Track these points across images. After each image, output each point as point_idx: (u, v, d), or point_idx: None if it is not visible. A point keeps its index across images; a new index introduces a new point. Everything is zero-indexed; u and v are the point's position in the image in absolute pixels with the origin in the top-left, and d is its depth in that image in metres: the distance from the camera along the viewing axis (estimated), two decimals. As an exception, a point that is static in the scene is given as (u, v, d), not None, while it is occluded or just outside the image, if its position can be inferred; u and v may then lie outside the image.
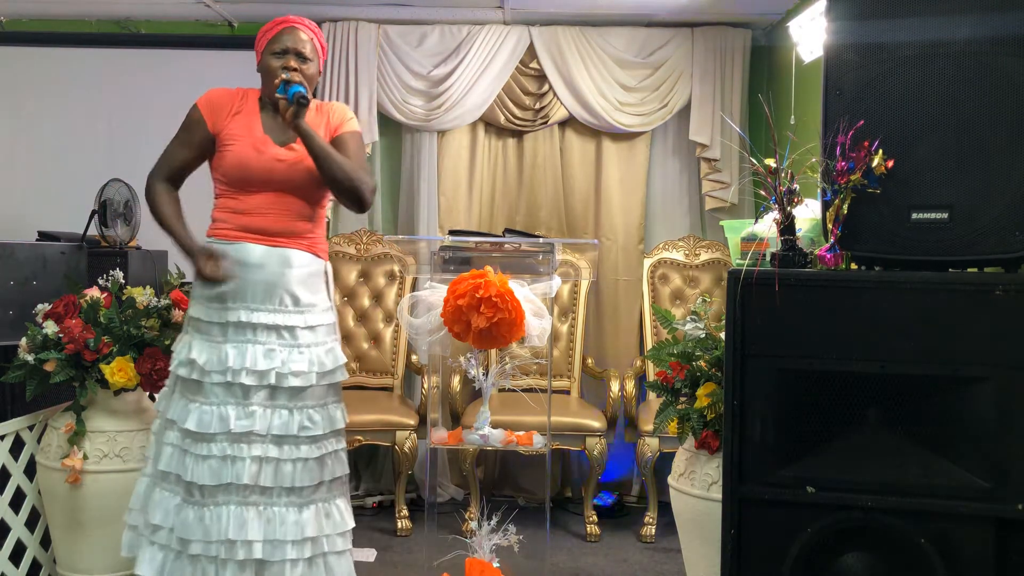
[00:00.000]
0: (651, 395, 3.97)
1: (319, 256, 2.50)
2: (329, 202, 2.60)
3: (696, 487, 2.53)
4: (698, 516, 2.52)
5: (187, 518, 2.34)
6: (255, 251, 2.39)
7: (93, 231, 3.64)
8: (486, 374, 2.88)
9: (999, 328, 1.86)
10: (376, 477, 4.26)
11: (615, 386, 3.88)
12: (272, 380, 2.36)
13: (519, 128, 4.33)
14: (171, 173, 2.52)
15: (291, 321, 2.40)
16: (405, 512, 3.83)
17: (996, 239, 1.89)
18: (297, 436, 2.37)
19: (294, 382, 2.37)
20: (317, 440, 2.41)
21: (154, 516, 2.37)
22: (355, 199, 2.40)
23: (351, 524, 2.49)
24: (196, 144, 2.50)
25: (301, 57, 2.42)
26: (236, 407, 2.35)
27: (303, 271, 2.43)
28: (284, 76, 2.33)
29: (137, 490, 2.47)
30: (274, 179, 2.40)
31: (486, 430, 2.89)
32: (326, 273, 2.54)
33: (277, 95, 2.31)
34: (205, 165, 2.55)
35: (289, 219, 2.42)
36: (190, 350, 2.39)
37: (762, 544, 2.00)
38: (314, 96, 2.50)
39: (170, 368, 2.47)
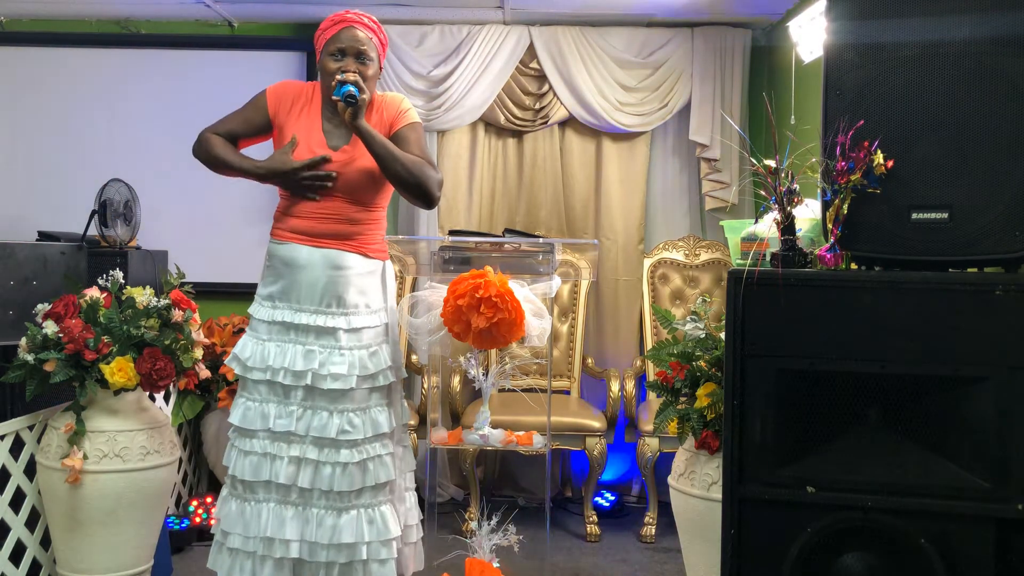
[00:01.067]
0: (651, 395, 3.97)
1: (370, 256, 2.46)
2: (388, 202, 2.56)
3: (696, 487, 2.53)
4: (698, 516, 2.52)
5: (229, 510, 2.38)
6: (301, 252, 2.39)
7: (93, 231, 3.64)
8: (486, 374, 2.88)
9: (999, 328, 1.86)
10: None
11: (615, 386, 3.88)
12: (308, 381, 2.36)
13: (519, 128, 4.33)
14: (222, 131, 2.47)
15: (333, 323, 2.39)
16: (405, 512, 3.83)
17: (996, 239, 1.89)
18: (336, 439, 2.36)
19: (332, 384, 2.36)
20: (358, 444, 2.38)
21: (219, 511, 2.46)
22: (422, 195, 2.37)
23: (396, 532, 2.42)
24: (253, 127, 2.47)
25: (360, 57, 2.39)
26: (277, 405, 2.37)
27: (351, 272, 2.41)
28: (339, 77, 2.30)
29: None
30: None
31: (486, 430, 2.89)
32: (383, 274, 2.51)
33: (333, 97, 2.30)
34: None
35: (336, 221, 2.40)
36: (240, 346, 2.43)
37: (762, 544, 2.00)
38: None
39: None
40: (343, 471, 2.36)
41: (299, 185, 2.38)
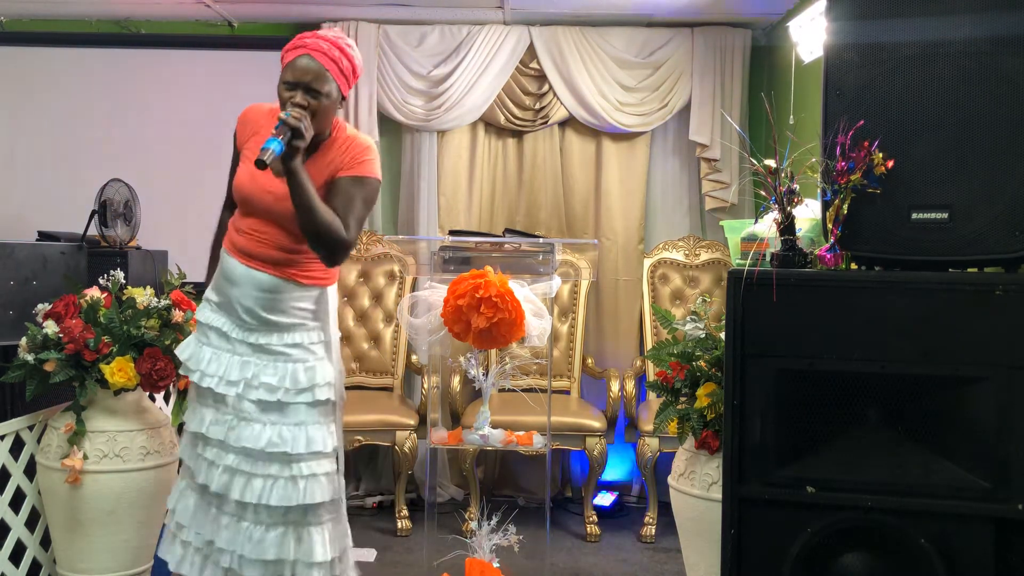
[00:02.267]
0: (651, 395, 3.97)
1: (304, 284, 2.36)
2: None
3: (696, 487, 2.53)
4: (698, 516, 2.52)
5: (188, 505, 2.38)
6: (237, 269, 2.34)
7: (93, 231, 3.64)
8: (486, 374, 2.88)
9: (999, 328, 1.86)
10: (376, 477, 4.26)
11: (615, 386, 3.88)
12: (239, 390, 2.31)
13: (519, 128, 4.33)
14: (228, 196, 2.49)
15: (266, 340, 2.34)
16: (405, 512, 3.83)
17: (996, 239, 1.89)
18: (266, 451, 2.29)
19: (263, 395, 2.31)
20: (289, 460, 2.30)
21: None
22: (324, 255, 2.28)
23: (321, 557, 2.30)
24: (236, 163, 2.45)
25: (311, 92, 2.22)
26: (213, 411, 2.34)
27: (282, 296, 2.34)
28: (281, 115, 2.15)
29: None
30: (260, 208, 2.32)
31: (486, 430, 2.89)
32: (318, 297, 2.40)
33: (273, 130, 2.14)
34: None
35: (271, 248, 2.32)
36: (184, 344, 2.43)
37: (762, 544, 2.00)
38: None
39: None
40: (273, 484, 2.28)
41: None
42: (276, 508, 2.29)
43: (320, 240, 2.24)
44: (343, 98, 2.32)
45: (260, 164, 2.10)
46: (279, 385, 2.32)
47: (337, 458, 2.41)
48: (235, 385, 2.32)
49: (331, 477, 2.36)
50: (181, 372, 2.42)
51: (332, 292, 2.47)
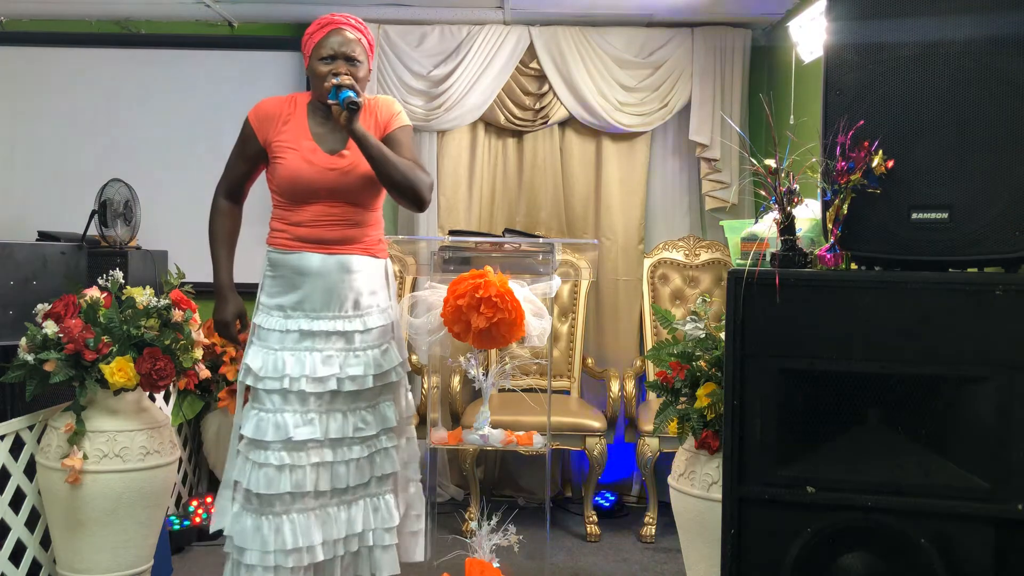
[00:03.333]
0: (651, 395, 3.97)
1: (377, 256, 2.50)
2: (383, 201, 2.56)
3: (696, 487, 2.53)
4: (698, 516, 2.52)
5: (245, 526, 2.32)
6: (314, 260, 2.38)
7: (93, 231, 3.64)
8: (486, 374, 2.88)
9: (999, 328, 1.86)
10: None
11: (615, 386, 3.88)
12: (333, 386, 2.36)
13: (519, 128, 4.33)
14: (231, 187, 2.54)
15: (350, 326, 2.41)
16: (405, 512, 3.83)
17: (996, 239, 1.89)
18: (352, 438, 2.39)
19: (350, 386, 2.38)
20: (368, 440, 2.43)
21: (223, 523, 2.39)
22: (415, 199, 2.38)
23: (397, 520, 2.49)
24: (250, 157, 2.49)
25: (350, 60, 2.37)
26: (294, 415, 2.33)
27: (363, 274, 2.44)
28: (335, 81, 2.28)
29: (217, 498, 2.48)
30: (327, 189, 2.37)
31: (486, 430, 2.89)
32: (386, 272, 2.55)
33: (329, 101, 2.28)
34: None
35: (345, 227, 2.40)
36: (247, 356, 2.40)
37: (762, 544, 2.00)
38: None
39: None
40: (355, 466, 2.41)
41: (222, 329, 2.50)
42: (356, 486, 2.42)
43: (405, 186, 2.34)
44: (369, 71, 2.46)
45: (355, 106, 2.23)
46: (365, 374, 2.41)
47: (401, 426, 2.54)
48: (326, 382, 2.36)
49: (397, 449, 2.51)
50: (251, 383, 2.36)
51: (390, 264, 2.59)
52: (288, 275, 2.41)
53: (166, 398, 3.49)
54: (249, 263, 2.70)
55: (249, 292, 2.56)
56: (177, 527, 3.45)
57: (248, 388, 2.41)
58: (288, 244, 2.41)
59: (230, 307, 2.51)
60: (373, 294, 2.48)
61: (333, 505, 2.40)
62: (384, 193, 2.48)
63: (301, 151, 2.38)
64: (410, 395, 2.63)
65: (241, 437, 2.39)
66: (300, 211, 2.40)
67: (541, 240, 3.01)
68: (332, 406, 2.39)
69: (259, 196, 2.60)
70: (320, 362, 2.36)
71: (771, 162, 2.11)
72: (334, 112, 2.28)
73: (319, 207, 2.39)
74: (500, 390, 3.05)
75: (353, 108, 2.25)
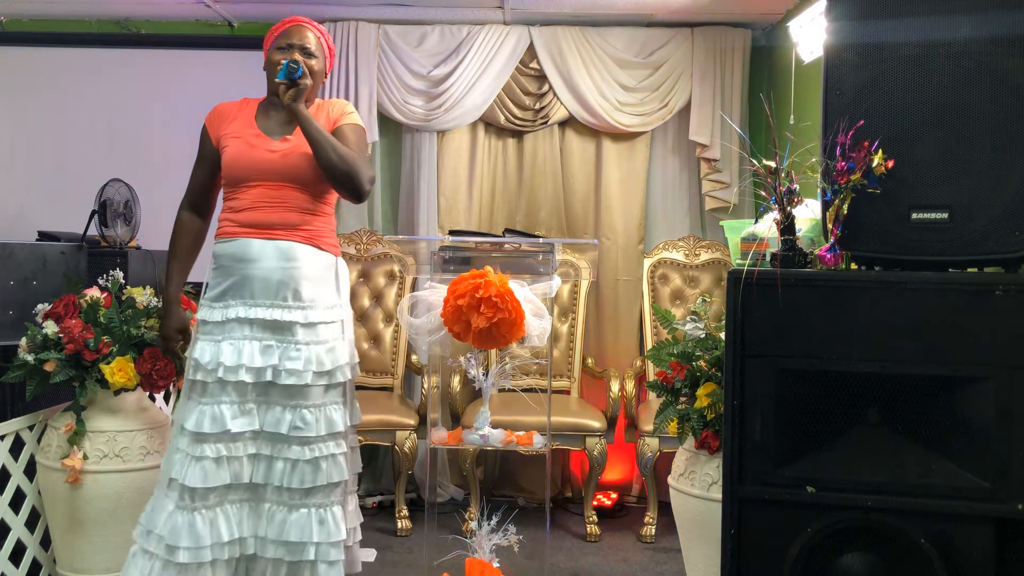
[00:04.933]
0: (651, 395, 3.96)
1: (323, 249, 2.44)
2: (335, 200, 2.56)
3: (696, 487, 2.53)
4: (698, 516, 2.52)
5: (176, 524, 2.28)
6: (253, 245, 2.36)
7: (93, 231, 3.64)
8: (486, 374, 2.88)
9: (999, 328, 1.86)
10: (376, 477, 4.26)
11: (615, 386, 3.88)
12: (268, 377, 2.33)
13: (519, 128, 4.33)
14: (194, 197, 2.57)
15: (289, 317, 2.36)
16: (405, 512, 3.83)
17: (996, 239, 1.89)
18: (287, 435, 2.33)
19: (288, 380, 2.33)
20: (309, 442, 2.34)
21: (154, 523, 2.33)
22: (351, 188, 2.35)
23: (342, 535, 2.39)
24: (208, 159, 2.51)
25: (306, 52, 2.42)
26: (231, 406, 2.32)
27: (304, 264, 2.39)
28: (282, 62, 2.34)
29: (147, 507, 2.41)
30: (267, 170, 2.37)
31: (486, 430, 2.89)
32: (336, 269, 2.49)
33: (276, 79, 2.32)
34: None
35: (286, 211, 2.37)
36: (195, 351, 2.37)
37: (762, 544, 2.00)
38: (318, 97, 2.51)
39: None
40: (293, 468, 2.33)
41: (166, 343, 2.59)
42: (297, 490, 2.33)
43: (341, 168, 2.33)
44: (325, 75, 2.51)
45: (293, 68, 2.28)
46: (304, 369, 2.34)
47: (348, 435, 2.48)
48: (262, 372, 2.33)
49: (347, 456, 2.43)
50: (198, 377, 2.34)
51: (344, 266, 2.53)
52: (228, 263, 2.39)
53: (166, 398, 3.49)
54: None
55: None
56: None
57: (191, 383, 2.37)
58: (230, 231, 2.40)
59: (172, 321, 2.54)
60: (316, 288, 2.40)
61: (271, 502, 2.34)
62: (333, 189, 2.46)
63: (244, 138, 2.41)
64: (356, 403, 2.56)
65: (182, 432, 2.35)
66: (242, 195, 2.39)
67: (541, 240, 3.01)
68: (270, 399, 2.34)
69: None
70: (258, 351, 2.33)
71: (771, 162, 2.11)
72: (280, 92, 2.32)
73: (260, 189, 2.38)
74: (500, 390, 3.04)
75: (293, 78, 2.28)
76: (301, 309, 2.38)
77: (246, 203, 2.38)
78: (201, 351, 2.36)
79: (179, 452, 2.33)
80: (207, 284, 2.45)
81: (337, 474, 2.38)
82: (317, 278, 2.42)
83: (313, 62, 2.43)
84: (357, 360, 2.54)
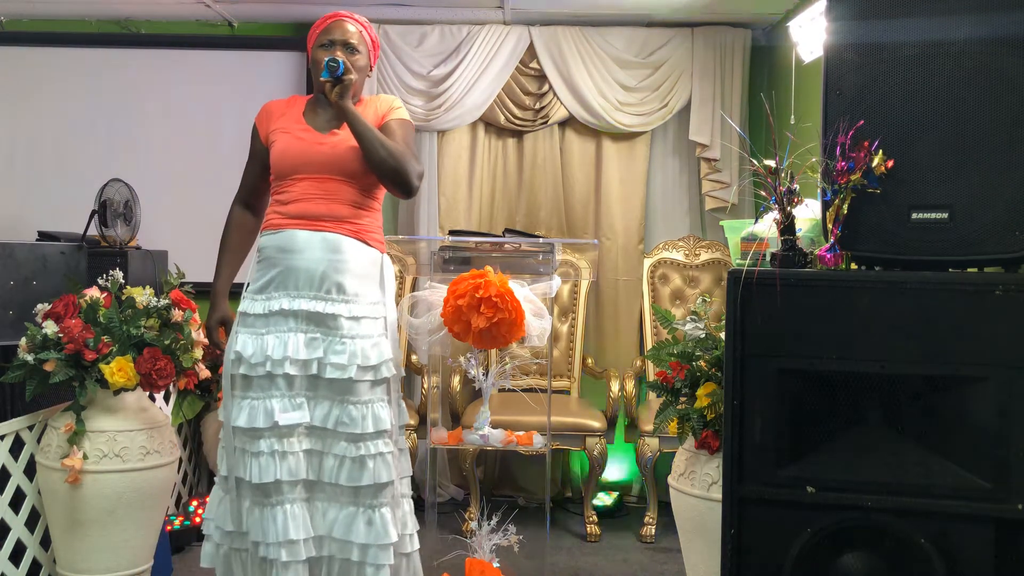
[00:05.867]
0: (651, 395, 3.97)
1: (370, 244, 2.41)
2: (383, 195, 2.52)
3: (696, 487, 2.53)
4: (698, 516, 2.52)
5: (253, 519, 2.28)
6: (299, 236, 2.33)
7: (93, 231, 3.64)
8: (486, 374, 2.88)
9: (999, 328, 1.86)
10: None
11: (615, 386, 3.88)
12: (314, 370, 2.29)
13: (519, 128, 4.33)
14: (246, 194, 2.55)
15: (333, 309, 2.31)
16: (405, 512, 3.83)
17: (996, 239, 1.89)
18: (335, 431, 2.29)
19: (333, 374, 2.28)
20: (356, 439, 2.28)
21: (225, 523, 2.34)
22: (400, 182, 2.33)
23: (394, 537, 2.32)
24: (258, 156, 2.50)
25: (348, 47, 2.40)
26: (281, 399, 2.27)
27: (350, 257, 2.35)
28: (326, 59, 2.30)
29: (211, 501, 2.41)
30: (315, 162, 2.35)
31: (486, 430, 2.89)
32: (381, 267, 2.44)
33: (322, 79, 2.30)
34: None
35: (334, 203, 2.35)
36: (236, 343, 2.32)
37: (762, 544, 2.00)
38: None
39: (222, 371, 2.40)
40: (340, 464, 2.29)
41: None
42: (346, 488, 2.29)
43: (390, 164, 2.32)
44: (370, 68, 2.48)
45: (334, 66, 2.26)
46: (349, 363, 2.30)
47: (396, 435, 2.43)
48: (308, 365, 2.30)
49: (395, 455, 2.39)
50: (241, 371, 2.30)
51: (390, 264, 2.50)
52: (273, 255, 2.36)
53: (166, 398, 3.49)
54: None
55: (236, 292, 2.54)
56: (177, 527, 3.45)
57: (232, 378, 2.34)
58: (276, 223, 2.37)
59: (216, 313, 2.49)
60: (361, 282, 2.37)
61: (321, 500, 2.31)
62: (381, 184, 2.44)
63: (293, 132, 2.40)
64: (403, 403, 2.52)
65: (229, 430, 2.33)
66: (290, 188, 2.37)
67: (541, 240, 3.01)
68: (318, 392, 2.31)
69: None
70: (303, 344, 2.29)
71: (771, 162, 2.11)
72: (326, 91, 2.31)
73: (307, 182, 2.36)
74: (500, 390, 3.04)
75: (336, 75, 2.27)
76: (345, 303, 2.33)
77: (294, 195, 2.36)
78: (243, 344, 2.31)
79: (237, 449, 2.30)
80: (249, 276, 2.43)
81: (386, 474, 2.32)
82: (362, 273, 2.38)
83: (357, 56, 2.41)
84: (402, 360, 2.53)
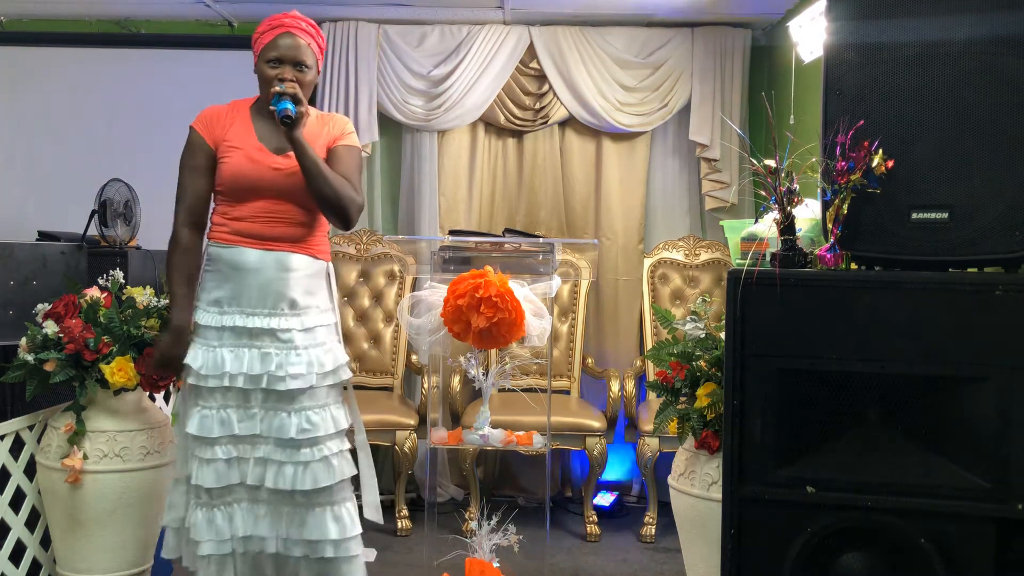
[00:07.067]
0: (651, 395, 3.96)
1: (318, 257, 2.47)
2: None
3: (696, 487, 2.53)
4: (698, 516, 2.52)
5: (196, 519, 2.35)
6: (251, 255, 2.37)
7: (93, 231, 3.64)
8: (486, 374, 2.88)
9: (999, 328, 1.86)
10: (376, 477, 4.25)
11: (615, 386, 3.88)
12: (264, 384, 2.35)
13: (519, 128, 4.33)
14: (192, 212, 2.47)
15: (287, 324, 2.38)
16: (405, 512, 3.83)
17: (996, 239, 1.89)
18: (296, 439, 2.35)
19: (292, 384, 2.35)
20: (318, 442, 2.37)
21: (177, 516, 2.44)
22: (340, 215, 2.37)
23: (359, 530, 2.44)
24: (205, 168, 2.44)
25: (298, 65, 2.36)
26: (237, 410, 2.36)
27: (301, 274, 2.41)
28: (278, 88, 2.28)
29: (170, 492, 2.49)
30: (269, 187, 2.37)
31: (486, 430, 2.89)
32: (327, 274, 2.51)
33: (271, 107, 2.28)
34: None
35: (285, 225, 2.39)
36: (192, 356, 2.38)
37: (762, 544, 2.00)
38: (311, 100, 2.49)
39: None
40: (305, 469, 2.35)
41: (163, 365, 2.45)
42: (311, 491, 2.36)
43: (333, 201, 2.34)
44: (318, 72, 2.46)
45: (288, 120, 2.24)
46: (308, 372, 2.37)
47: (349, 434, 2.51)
48: (260, 379, 2.35)
49: (349, 452, 2.48)
50: (194, 382, 2.37)
51: (332, 269, 2.56)
52: (225, 269, 2.39)
53: (166, 398, 3.49)
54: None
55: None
56: (177, 527, 3.45)
57: (187, 385, 2.41)
58: (226, 238, 2.39)
59: (180, 350, 2.41)
60: (311, 295, 2.43)
61: (289, 506, 2.37)
62: None
63: (246, 149, 2.38)
64: (354, 401, 2.57)
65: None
66: (242, 207, 2.39)
67: (541, 240, 3.01)
68: (273, 405, 2.36)
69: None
70: (257, 359, 2.35)
71: (771, 162, 2.11)
72: (275, 117, 2.28)
73: (261, 203, 2.38)
74: (500, 390, 3.04)
75: (287, 123, 2.25)
76: (297, 316, 2.40)
77: (246, 214, 2.39)
78: (196, 357, 2.37)
79: (187, 452, 2.39)
80: (200, 284, 2.45)
81: (348, 469, 2.43)
82: (312, 285, 2.44)
83: (306, 72, 2.38)
84: (347, 362, 2.53)
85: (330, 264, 2.54)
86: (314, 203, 2.40)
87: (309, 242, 2.44)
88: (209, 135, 2.45)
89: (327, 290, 2.50)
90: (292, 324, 2.39)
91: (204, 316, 2.41)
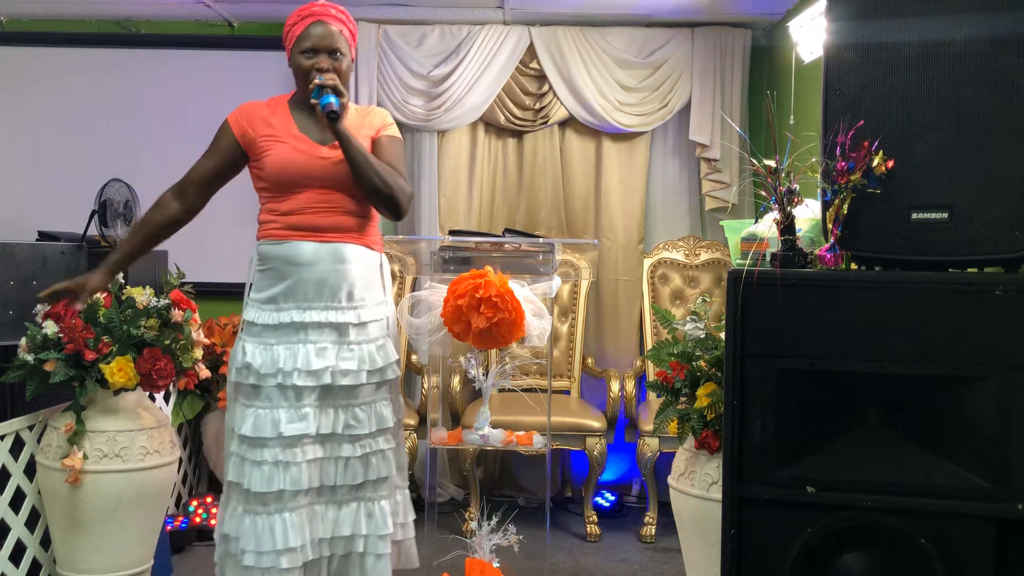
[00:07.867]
0: (651, 395, 3.97)
1: (372, 248, 2.43)
2: None
3: (696, 487, 2.53)
4: (698, 516, 2.52)
5: (243, 526, 2.28)
6: (305, 248, 2.32)
7: (93, 231, 3.64)
8: (486, 374, 2.88)
9: (999, 328, 1.86)
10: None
11: (615, 386, 3.88)
12: (327, 379, 2.30)
13: (519, 128, 4.33)
14: (188, 185, 2.46)
15: (344, 318, 2.34)
16: (405, 512, 3.83)
17: (996, 239, 1.89)
18: (340, 435, 2.32)
19: (343, 381, 2.32)
20: (360, 439, 2.35)
21: (230, 528, 2.33)
22: (391, 206, 2.34)
23: (389, 529, 2.40)
24: (222, 153, 2.42)
25: (332, 53, 2.33)
26: (288, 410, 2.28)
27: (357, 265, 2.37)
28: (318, 80, 2.25)
29: (221, 512, 2.41)
30: (318, 176, 2.33)
31: (486, 430, 2.89)
32: (381, 266, 2.47)
33: (312, 100, 2.26)
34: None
35: (338, 214, 2.35)
36: (244, 354, 2.32)
37: (762, 544, 2.00)
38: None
39: (228, 379, 2.39)
40: (345, 466, 2.34)
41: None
42: (348, 487, 2.35)
43: (383, 192, 2.32)
44: (352, 59, 2.43)
45: (334, 115, 2.22)
46: (359, 369, 2.35)
47: (395, 429, 2.48)
48: (320, 375, 2.30)
49: (395, 451, 2.45)
50: (249, 381, 2.30)
51: (387, 262, 2.53)
52: (279, 266, 2.34)
53: (166, 398, 3.49)
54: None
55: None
56: (177, 527, 3.45)
57: (236, 385, 2.35)
58: (278, 234, 2.35)
59: (95, 280, 2.40)
60: (367, 287, 2.40)
61: (321, 503, 2.34)
62: None
63: (289, 142, 2.35)
64: (402, 400, 2.55)
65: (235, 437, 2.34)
66: (291, 199, 2.34)
67: (541, 240, 3.01)
68: (325, 401, 2.32)
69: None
70: (314, 354, 2.30)
71: (771, 162, 2.11)
72: (317, 110, 2.26)
73: (310, 194, 2.34)
74: (500, 390, 3.05)
75: (333, 117, 2.23)
76: (353, 309, 2.37)
77: (296, 206, 2.34)
78: (252, 354, 2.31)
79: (235, 456, 2.32)
80: (251, 284, 2.40)
81: (385, 469, 2.40)
82: (367, 277, 2.41)
83: (341, 61, 2.35)
84: (400, 355, 2.54)
85: (384, 257, 2.50)
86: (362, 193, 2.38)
87: (363, 233, 2.40)
88: (239, 128, 2.41)
89: (381, 282, 2.47)
90: (348, 317, 2.35)
91: (259, 315, 2.35)
